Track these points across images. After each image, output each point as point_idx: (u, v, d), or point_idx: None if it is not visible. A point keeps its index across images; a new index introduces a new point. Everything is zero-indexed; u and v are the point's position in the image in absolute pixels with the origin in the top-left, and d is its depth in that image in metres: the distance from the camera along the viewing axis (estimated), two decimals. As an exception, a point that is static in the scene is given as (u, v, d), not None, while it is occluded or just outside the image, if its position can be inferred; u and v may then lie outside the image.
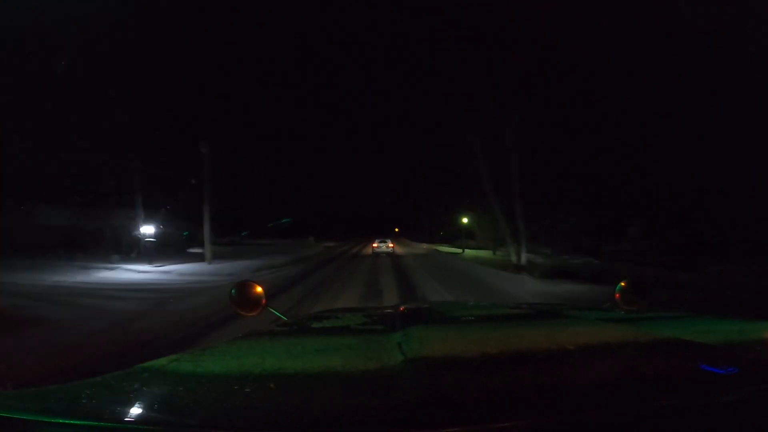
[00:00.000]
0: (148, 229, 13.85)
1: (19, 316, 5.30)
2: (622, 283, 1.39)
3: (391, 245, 20.66)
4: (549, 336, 0.94)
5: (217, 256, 14.16)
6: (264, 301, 1.44)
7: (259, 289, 1.45)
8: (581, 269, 10.17)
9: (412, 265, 14.13)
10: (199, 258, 14.21)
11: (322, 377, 0.67)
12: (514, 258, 13.76)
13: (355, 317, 1.35)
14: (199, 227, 14.83)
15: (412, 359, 0.74)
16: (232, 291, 1.44)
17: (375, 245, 20.57)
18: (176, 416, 0.53)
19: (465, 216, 21.14)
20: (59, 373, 3.17)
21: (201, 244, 14.94)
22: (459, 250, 21.15)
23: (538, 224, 14.78)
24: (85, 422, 0.51)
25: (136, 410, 0.56)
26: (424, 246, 29.77)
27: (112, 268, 10.96)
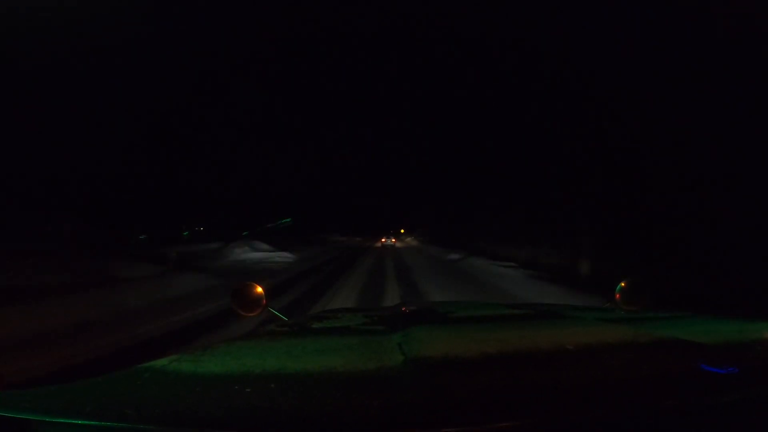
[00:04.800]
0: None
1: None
2: (622, 284, 1.39)
3: (393, 240, 37.23)
4: (549, 336, 0.95)
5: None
6: (264, 301, 1.45)
7: (259, 289, 1.45)
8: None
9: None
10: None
11: (322, 377, 0.67)
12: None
13: (356, 318, 1.35)
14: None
15: (413, 359, 0.74)
16: (232, 292, 1.45)
17: (383, 240, 36.85)
18: (177, 416, 0.53)
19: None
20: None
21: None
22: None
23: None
24: (86, 422, 0.51)
25: (136, 410, 0.56)
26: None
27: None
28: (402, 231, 61.06)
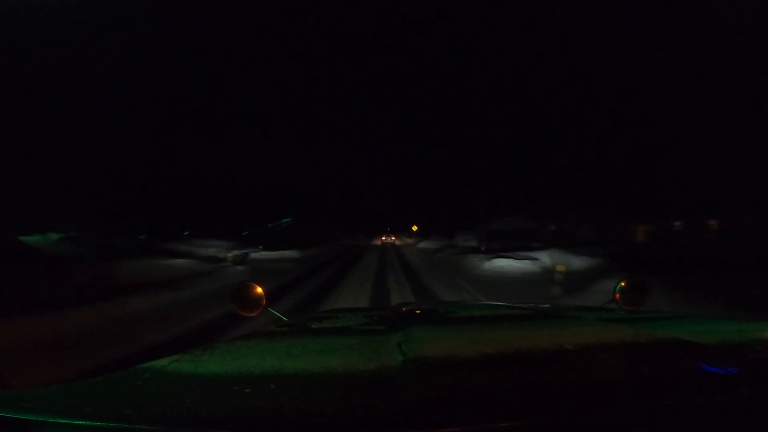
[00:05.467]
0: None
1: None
2: (622, 284, 1.39)
3: (393, 238, 38.46)
4: (549, 336, 0.94)
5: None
6: (264, 301, 1.45)
7: (259, 290, 1.45)
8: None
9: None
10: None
11: (322, 378, 0.67)
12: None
13: (355, 318, 1.35)
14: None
15: (412, 359, 0.74)
16: (232, 292, 1.45)
17: (383, 238, 38.32)
18: (177, 416, 0.53)
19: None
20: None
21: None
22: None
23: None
24: (86, 422, 0.51)
25: (136, 410, 0.56)
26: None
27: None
28: (414, 228, 46.46)
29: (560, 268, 7.91)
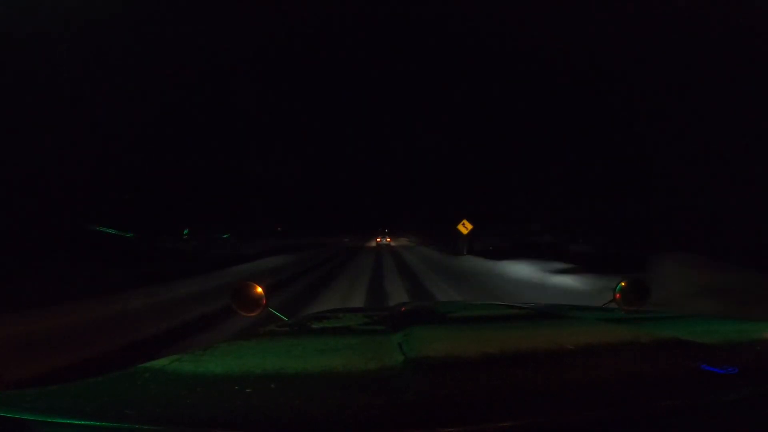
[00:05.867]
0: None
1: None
2: (623, 283, 1.39)
3: (388, 239, 37.79)
4: (549, 336, 0.95)
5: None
6: (264, 301, 1.45)
7: (259, 289, 1.45)
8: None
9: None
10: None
11: (322, 377, 0.67)
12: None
13: (356, 317, 1.35)
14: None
15: (413, 359, 0.74)
16: (232, 291, 1.45)
17: (378, 239, 37.37)
18: (177, 416, 0.53)
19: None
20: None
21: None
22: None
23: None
24: (86, 422, 0.51)
25: (136, 410, 0.56)
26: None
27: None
28: (465, 229, 18.34)
29: None
